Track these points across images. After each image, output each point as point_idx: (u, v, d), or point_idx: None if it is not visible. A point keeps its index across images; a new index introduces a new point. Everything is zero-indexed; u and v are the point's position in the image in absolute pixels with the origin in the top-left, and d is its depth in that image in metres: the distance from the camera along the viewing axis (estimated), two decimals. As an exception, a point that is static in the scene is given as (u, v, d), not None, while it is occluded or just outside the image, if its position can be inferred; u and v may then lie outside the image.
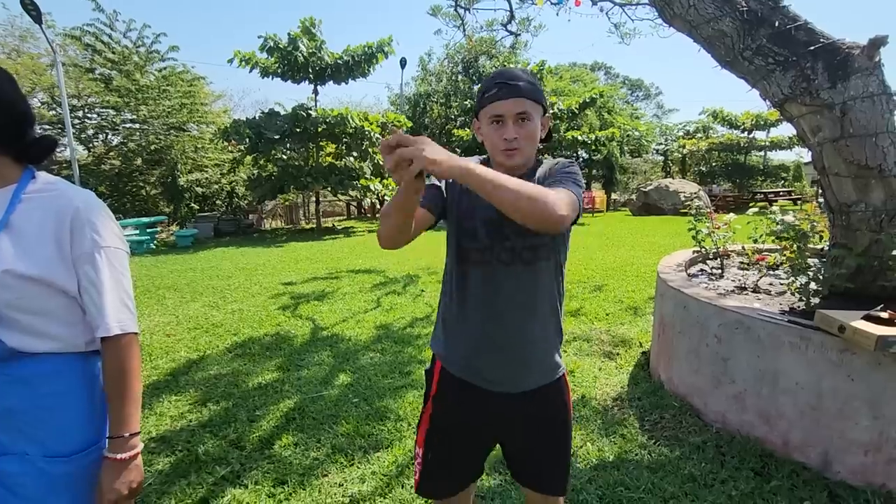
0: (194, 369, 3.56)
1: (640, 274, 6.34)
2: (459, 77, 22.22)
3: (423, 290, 5.85)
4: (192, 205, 15.66)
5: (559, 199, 0.97)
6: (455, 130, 19.09)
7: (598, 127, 20.72)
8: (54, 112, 13.68)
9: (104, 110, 14.66)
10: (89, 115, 14.84)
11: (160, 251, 10.92)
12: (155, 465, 2.33)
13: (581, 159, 22.46)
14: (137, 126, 14.67)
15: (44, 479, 0.98)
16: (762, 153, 22.63)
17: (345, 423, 2.68)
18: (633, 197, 19.01)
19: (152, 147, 14.46)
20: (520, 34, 7.57)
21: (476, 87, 20.15)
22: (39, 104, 14.07)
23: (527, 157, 1.18)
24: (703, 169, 23.74)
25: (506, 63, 21.58)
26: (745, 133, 21.52)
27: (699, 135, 23.95)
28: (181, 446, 2.49)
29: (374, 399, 2.98)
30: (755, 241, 3.37)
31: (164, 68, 15.31)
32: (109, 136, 15.56)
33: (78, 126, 14.09)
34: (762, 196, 18.28)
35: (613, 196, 24.10)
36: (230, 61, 12.93)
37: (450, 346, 1.29)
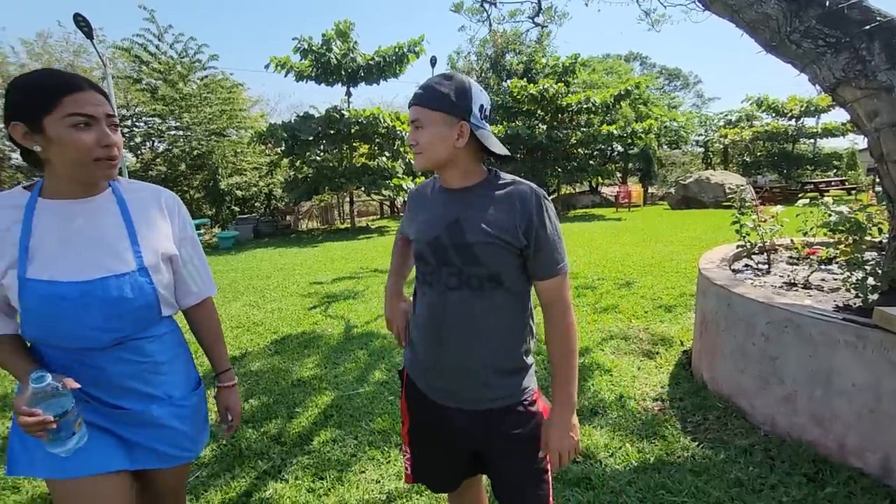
0: (237, 366, 3.69)
1: (679, 270, 6.13)
2: (490, 74, 22.09)
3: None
4: (233, 207, 16.26)
5: (569, 313, 1.16)
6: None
7: (634, 119, 20.08)
8: (106, 122, 14.45)
9: (151, 119, 15.42)
10: (137, 124, 15.64)
11: (204, 253, 11.36)
12: (201, 458, 2.42)
13: (617, 153, 21.91)
14: (181, 133, 15.34)
15: (184, 412, 1.25)
16: (812, 141, 21.38)
17: (380, 420, 2.72)
18: (672, 190, 18.36)
19: (195, 152, 15.10)
20: (546, 25, 7.39)
21: (505, 84, 19.93)
22: (92, 115, 14.89)
23: (432, 162, 1.15)
24: (747, 159, 22.67)
25: (533, 56, 21.29)
26: (793, 120, 20.39)
27: (742, 124, 22.87)
28: (225, 440, 2.59)
29: (408, 397, 3.00)
30: (805, 234, 3.18)
31: (205, 76, 15.93)
32: (156, 143, 16.38)
33: (127, 134, 14.87)
34: (812, 186, 17.27)
35: (651, 189, 23.38)
36: (266, 67, 13.34)
37: (409, 358, 1.32)
